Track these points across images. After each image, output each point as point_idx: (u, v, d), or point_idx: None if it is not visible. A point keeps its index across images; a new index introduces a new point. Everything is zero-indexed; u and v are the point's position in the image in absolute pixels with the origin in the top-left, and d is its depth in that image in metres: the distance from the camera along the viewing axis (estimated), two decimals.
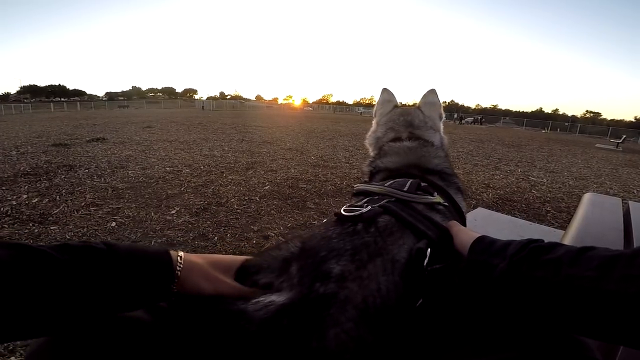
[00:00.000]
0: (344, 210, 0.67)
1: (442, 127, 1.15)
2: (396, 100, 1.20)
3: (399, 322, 0.55)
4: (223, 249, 2.69)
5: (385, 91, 1.22)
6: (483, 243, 0.61)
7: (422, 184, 0.80)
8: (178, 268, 0.53)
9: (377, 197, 0.76)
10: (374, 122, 1.21)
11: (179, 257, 0.54)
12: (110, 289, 0.47)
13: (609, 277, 0.41)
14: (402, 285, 0.57)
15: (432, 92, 1.15)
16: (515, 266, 0.51)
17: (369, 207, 0.67)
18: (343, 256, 0.56)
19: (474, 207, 3.70)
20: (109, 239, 2.76)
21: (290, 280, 0.54)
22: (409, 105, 1.27)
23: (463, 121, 46.67)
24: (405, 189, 0.76)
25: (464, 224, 0.81)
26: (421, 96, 1.16)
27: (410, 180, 0.79)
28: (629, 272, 0.39)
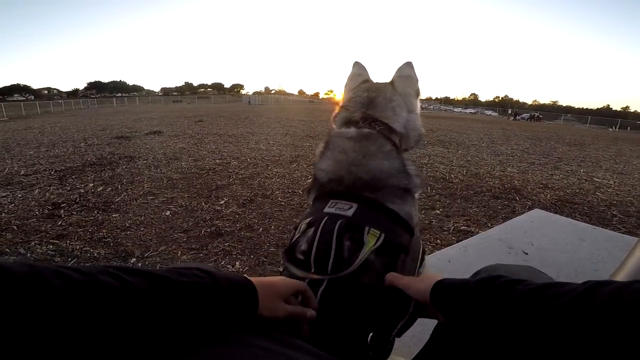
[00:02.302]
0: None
1: (418, 105, 1.01)
2: (368, 75, 1.06)
3: None
4: (267, 240, 2.76)
5: (356, 65, 1.08)
6: (441, 291, 0.58)
7: (354, 220, 0.71)
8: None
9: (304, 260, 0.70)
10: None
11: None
12: (214, 314, 0.48)
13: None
14: None
15: (408, 65, 1.01)
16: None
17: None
18: None
19: (530, 208, 3.47)
20: (163, 227, 2.95)
21: None
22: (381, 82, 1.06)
23: (518, 117, 43.99)
24: (333, 249, 0.68)
25: (410, 242, 0.76)
26: (397, 69, 1.02)
27: (338, 224, 0.70)
28: None
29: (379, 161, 0.81)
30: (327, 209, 0.76)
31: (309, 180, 4.37)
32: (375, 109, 0.91)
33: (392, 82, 0.98)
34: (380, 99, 0.92)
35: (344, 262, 0.66)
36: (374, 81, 1.03)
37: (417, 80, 1.00)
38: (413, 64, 1.01)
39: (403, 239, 0.75)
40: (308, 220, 0.76)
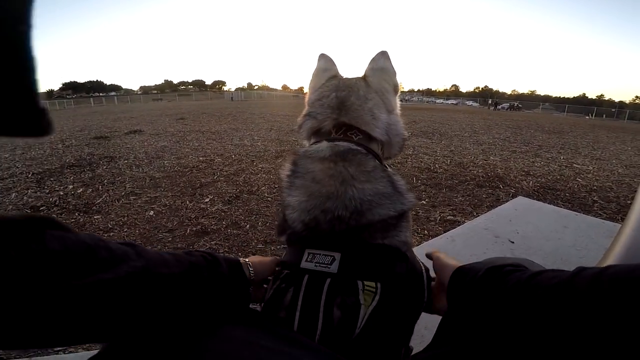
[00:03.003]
0: None
1: (398, 104, 0.86)
2: (336, 69, 0.89)
3: None
4: (254, 237, 2.72)
5: (322, 57, 0.91)
6: (457, 278, 0.61)
7: (342, 278, 0.60)
8: (251, 275, 0.66)
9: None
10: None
11: (249, 265, 0.66)
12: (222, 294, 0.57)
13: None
14: None
15: (383, 55, 0.85)
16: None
17: None
18: None
19: (514, 196, 3.53)
20: (147, 227, 2.88)
21: None
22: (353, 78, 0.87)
23: (498, 107, 44.99)
24: (320, 322, 0.57)
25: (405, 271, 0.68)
26: (370, 61, 0.86)
27: (326, 288, 0.59)
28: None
29: (362, 186, 0.65)
30: (304, 264, 0.64)
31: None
32: (349, 113, 0.75)
33: (364, 77, 0.83)
34: (353, 99, 0.76)
35: (333, 333, 0.57)
36: (344, 77, 0.87)
37: (394, 72, 0.85)
38: (389, 54, 0.86)
39: (402, 279, 0.65)
40: (283, 274, 0.66)
